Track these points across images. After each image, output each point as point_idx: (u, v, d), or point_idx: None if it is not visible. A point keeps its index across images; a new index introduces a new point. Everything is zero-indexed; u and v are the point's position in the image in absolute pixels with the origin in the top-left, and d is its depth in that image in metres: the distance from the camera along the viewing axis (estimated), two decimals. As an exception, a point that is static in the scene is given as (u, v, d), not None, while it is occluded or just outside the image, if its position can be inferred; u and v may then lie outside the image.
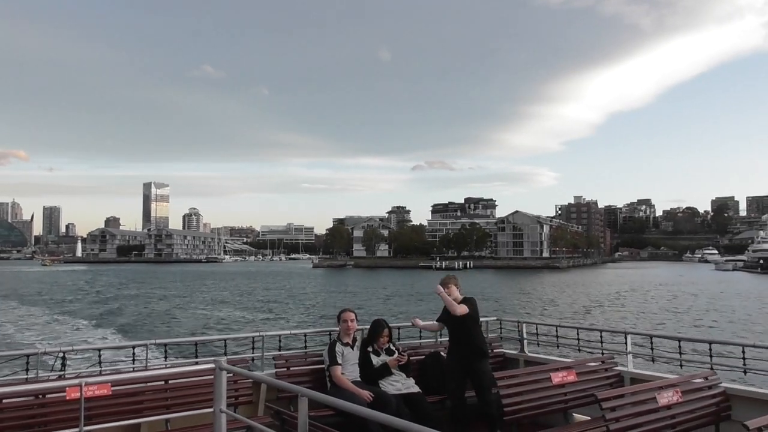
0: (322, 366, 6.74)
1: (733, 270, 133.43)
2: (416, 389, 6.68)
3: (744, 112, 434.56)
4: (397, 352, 6.92)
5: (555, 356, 8.80)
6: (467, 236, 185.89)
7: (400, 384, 6.63)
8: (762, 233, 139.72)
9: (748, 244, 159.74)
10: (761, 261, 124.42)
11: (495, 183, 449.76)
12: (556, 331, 8.82)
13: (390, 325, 7.17)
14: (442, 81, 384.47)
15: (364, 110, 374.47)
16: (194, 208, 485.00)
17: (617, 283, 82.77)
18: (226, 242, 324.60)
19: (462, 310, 6.68)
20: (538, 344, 9.16)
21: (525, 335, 8.78)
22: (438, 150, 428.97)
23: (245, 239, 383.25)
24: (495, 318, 9.38)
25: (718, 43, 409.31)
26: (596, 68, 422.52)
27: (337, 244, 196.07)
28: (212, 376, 4.63)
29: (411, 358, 7.14)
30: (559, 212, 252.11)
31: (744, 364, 6.75)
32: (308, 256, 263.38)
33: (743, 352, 6.73)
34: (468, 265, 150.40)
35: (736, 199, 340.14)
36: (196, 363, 7.27)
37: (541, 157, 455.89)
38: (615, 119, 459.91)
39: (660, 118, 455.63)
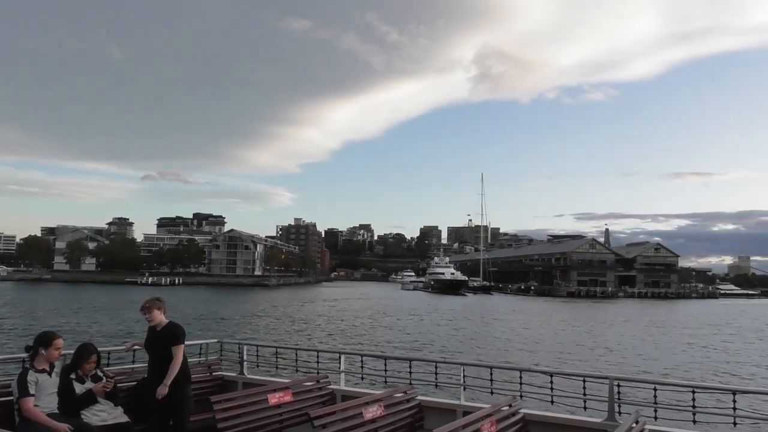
0: (11, 398, 5.81)
1: (414, 290, 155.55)
2: (124, 419, 6.15)
3: (450, 154, 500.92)
4: (105, 377, 6.32)
5: (274, 377, 8.96)
6: (182, 252, 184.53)
7: (105, 414, 6.06)
8: (436, 259, 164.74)
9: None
10: (432, 282, 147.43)
11: (232, 199, 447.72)
12: (276, 352, 9.20)
13: (99, 349, 6.55)
14: (182, 90, 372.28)
15: (92, 110, 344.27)
16: None
17: (320, 300, 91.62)
18: None
19: (174, 369, 6.26)
20: (257, 366, 9.21)
21: (245, 357, 8.89)
22: (173, 161, 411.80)
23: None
24: (216, 340, 9.34)
25: (436, 89, 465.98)
26: (335, 97, 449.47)
27: (34, 256, 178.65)
28: None
29: (120, 384, 6.65)
30: (280, 232, 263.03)
31: (436, 379, 7.66)
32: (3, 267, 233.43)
33: (436, 367, 7.72)
34: (177, 282, 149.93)
35: (439, 228, 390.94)
36: None
37: (279, 177, 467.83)
38: (350, 147, 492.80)
39: (387, 150, 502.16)
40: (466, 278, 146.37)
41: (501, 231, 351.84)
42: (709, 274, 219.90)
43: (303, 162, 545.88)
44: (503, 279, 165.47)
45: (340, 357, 8.42)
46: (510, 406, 6.36)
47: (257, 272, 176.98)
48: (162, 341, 6.42)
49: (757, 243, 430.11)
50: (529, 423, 6.33)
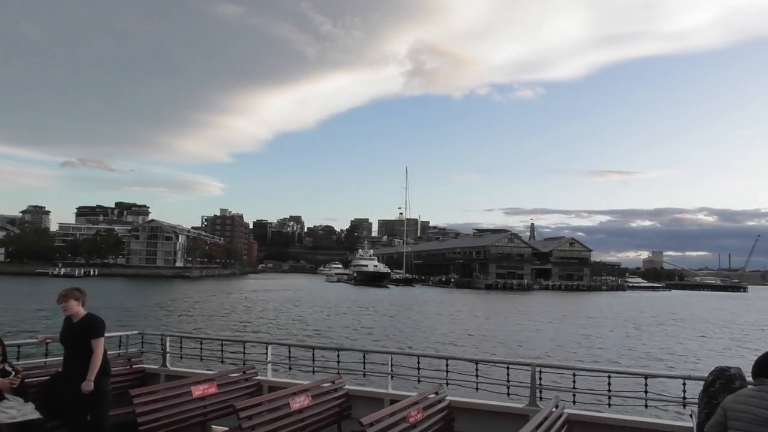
0: None
1: (338, 282, 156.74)
2: (36, 415, 5.92)
3: (383, 148, 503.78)
4: (13, 372, 6.06)
5: (199, 369, 8.79)
6: (100, 243, 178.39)
7: (15, 411, 5.83)
8: (360, 251, 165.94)
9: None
10: (355, 274, 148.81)
11: (158, 189, 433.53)
12: (201, 343, 8.90)
13: (5, 342, 6.32)
14: (106, 74, 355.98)
15: (5, 91, 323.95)
16: None
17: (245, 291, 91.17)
18: None
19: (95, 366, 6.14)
20: (181, 358, 9.03)
21: (168, 349, 8.70)
22: (96, 147, 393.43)
23: None
24: (137, 331, 9.06)
25: (371, 83, 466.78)
26: (267, 87, 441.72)
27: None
28: None
29: (32, 379, 6.42)
30: (206, 223, 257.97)
31: (364, 368, 7.71)
32: None
33: (364, 357, 7.74)
34: (92, 273, 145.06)
35: (370, 221, 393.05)
36: None
37: (208, 167, 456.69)
38: (283, 138, 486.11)
39: (321, 142, 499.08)
40: (389, 271, 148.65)
41: (431, 224, 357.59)
42: (619, 267, 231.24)
43: (234, 151, 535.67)
44: (427, 272, 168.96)
45: (267, 347, 8.32)
46: (436, 393, 6.46)
47: (179, 264, 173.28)
48: (80, 334, 6.19)
49: (670, 239, 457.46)
50: (455, 409, 6.47)
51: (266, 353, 8.24)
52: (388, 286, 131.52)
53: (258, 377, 7.73)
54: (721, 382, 4.70)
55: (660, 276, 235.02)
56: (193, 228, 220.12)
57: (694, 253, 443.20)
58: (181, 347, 8.92)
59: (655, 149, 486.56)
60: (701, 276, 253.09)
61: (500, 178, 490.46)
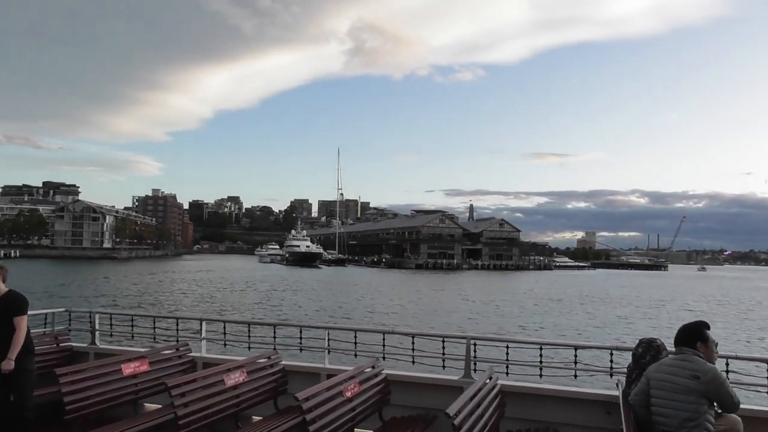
0: None
1: (271, 262, 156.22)
2: None
3: (325, 127, 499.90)
4: None
5: (130, 347, 8.62)
6: (23, 223, 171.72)
7: None
8: (293, 232, 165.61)
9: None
10: (288, 255, 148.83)
11: (90, 168, 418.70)
12: (132, 320, 8.69)
13: None
14: (32, 45, 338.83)
15: None
16: None
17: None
18: None
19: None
20: (111, 335, 8.84)
21: (97, 326, 8.48)
22: (21, 123, 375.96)
23: None
24: (63, 309, 8.92)
25: (312, 61, 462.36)
26: (205, 63, 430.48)
27: None
28: None
29: None
30: (137, 204, 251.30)
31: (300, 343, 7.64)
32: None
33: (300, 332, 7.69)
34: (12, 255, 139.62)
35: (310, 201, 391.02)
36: None
37: (144, 145, 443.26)
38: (223, 116, 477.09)
39: (262, 121, 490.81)
40: (321, 251, 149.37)
41: (371, 205, 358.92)
42: (548, 247, 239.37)
43: (171, 130, 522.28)
44: (363, 252, 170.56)
45: (201, 324, 8.14)
46: (373, 367, 6.47)
47: (106, 245, 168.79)
48: (1, 312, 5.99)
49: (604, 220, 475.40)
50: (391, 383, 6.54)
51: (200, 330, 8.09)
52: (320, 266, 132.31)
53: (192, 354, 7.57)
54: (651, 354, 5.04)
55: (588, 255, 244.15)
56: (125, 209, 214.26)
57: (626, 234, 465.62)
58: (111, 325, 8.67)
59: (591, 132, 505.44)
60: (627, 256, 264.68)
61: (442, 160, 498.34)
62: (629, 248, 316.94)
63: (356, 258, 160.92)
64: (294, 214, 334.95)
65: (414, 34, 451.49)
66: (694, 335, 4.73)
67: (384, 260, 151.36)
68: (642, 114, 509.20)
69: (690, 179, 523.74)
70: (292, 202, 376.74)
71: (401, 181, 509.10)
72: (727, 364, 5.54)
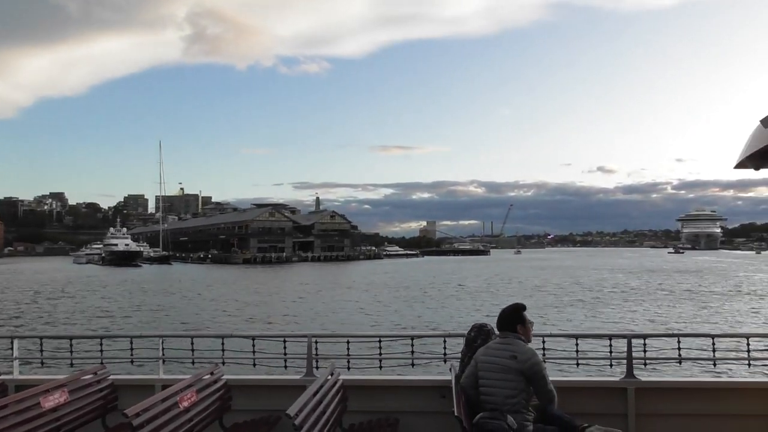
0: None
1: (87, 263, 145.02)
2: None
3: (164, 118, 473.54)
4: None
5: None
6: None
7: None
8: (112, 230, 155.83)
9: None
10: (104, 254, 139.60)
11: None
12: None
13: None
14: None
15: None
16: None
17: None
18: None
19: None
20: None
21: None
22: None
23: None
24: None
25: (147, 47, 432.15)
26: (23, 44, 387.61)
27: None
28: None
29: None
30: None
31: (131, 355, 7.09)
32: None
33: (131, 342, 7.13)
34: None
35: (146, 197, 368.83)
36: None
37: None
38: (45, 104, 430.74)
39: (92, 110, 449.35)
40: (142, 249, 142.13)
41: (213, 200, 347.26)
42: (379, 237, 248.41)
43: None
44: (193, 248, 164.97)
45: (12, 342, 7.34)
46: (212, 374, 6.27)
47: None
48: None
49: (446, 209, 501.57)
50: (233, 388, 6.38)
51: (11, 348, 7.25)
52: (141, 265, 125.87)
53: (1, 377, 6.82)
54: (482, 338, 5.31)
55: (421, 244, 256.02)
56: None
57: (466, 222, 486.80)
58: None
59: (432, 126, 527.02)
60: (460, 243, 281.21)
61: (290, 153, 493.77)
62: (468, 235, 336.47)
63: (183, 255, 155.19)
64: (125, 211, 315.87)
65: (258, 24, 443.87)
66: (513, 320, 5.11)
67: (210, 256, 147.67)
68: (479, 109, 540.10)
69: (520, 170, 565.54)
70: (125, 197, 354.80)
71: (249, 175, 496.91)
72: (543, 342, 6.21)
